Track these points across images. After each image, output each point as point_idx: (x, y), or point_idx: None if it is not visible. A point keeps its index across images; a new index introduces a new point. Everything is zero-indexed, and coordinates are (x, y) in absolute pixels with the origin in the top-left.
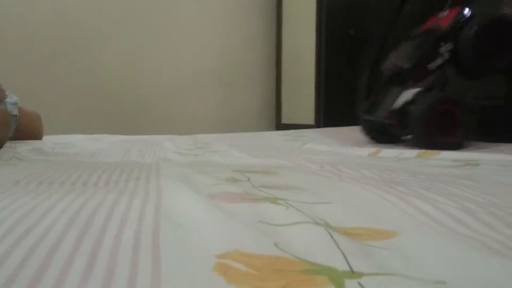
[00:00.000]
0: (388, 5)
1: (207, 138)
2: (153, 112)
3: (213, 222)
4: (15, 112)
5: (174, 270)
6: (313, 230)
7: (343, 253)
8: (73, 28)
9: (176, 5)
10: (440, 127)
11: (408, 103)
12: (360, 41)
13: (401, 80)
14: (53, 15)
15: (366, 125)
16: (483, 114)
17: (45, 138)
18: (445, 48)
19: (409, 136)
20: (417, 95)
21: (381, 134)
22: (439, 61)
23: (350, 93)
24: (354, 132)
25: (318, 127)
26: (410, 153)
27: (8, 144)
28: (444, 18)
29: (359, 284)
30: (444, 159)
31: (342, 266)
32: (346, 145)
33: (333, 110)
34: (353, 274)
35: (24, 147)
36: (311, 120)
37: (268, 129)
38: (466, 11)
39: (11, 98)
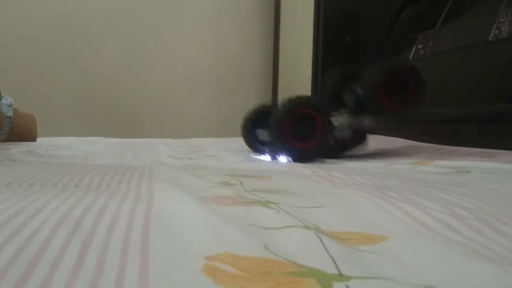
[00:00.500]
0: (385, 13)
1: (202, 142)
2: (148, 115)
3: (203, 224)
4: (10, 113)
5: (162, 271)
6: (303, 233)
7: (332, 257)
8: (69, 30)
9: (173, 8)
10: (298, 133)
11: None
12: (356, 47)
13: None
14: (49, 17)
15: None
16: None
17: (39, 140)
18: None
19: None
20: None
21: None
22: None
23: None
24: None
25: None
26: (402, 160)
27: (1, 146)
28: None
29: (347, 286)
30: (437, 166)
31: (330, 269)
32: None
33: None
34: (341, 277)
35: (17, 149)
36: None
37: None
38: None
39: (6, 100)
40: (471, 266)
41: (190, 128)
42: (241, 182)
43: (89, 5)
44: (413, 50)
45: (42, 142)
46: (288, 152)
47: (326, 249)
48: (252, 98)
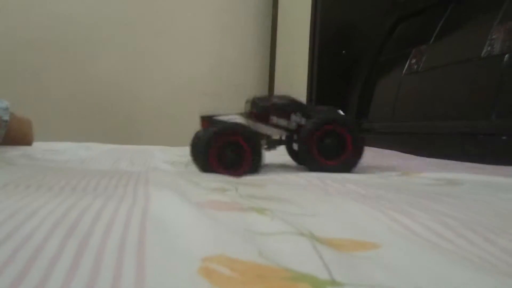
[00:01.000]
0: (380, 28)
1: None
2: (145, 122)
3: (199, 227)
4: (6, 117)
5: (158, 272)
6: (297, 240)
7: (325, 263)
8: (68, 35)
9: (171, 17)
10: (225, 159)
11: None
12: (352, 61)
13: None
14: (47, 21)
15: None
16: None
17: (35, 144)
18: (296, 118)
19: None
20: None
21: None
22: (281, 122)
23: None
24: None
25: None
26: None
27: None
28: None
29: None
30: (429, 177)
31: (324, 275)
32: None
33: None
34: (334, 282)
35: (13, 152)
36: None
37: None
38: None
39: (2, 103)
40: (461, 274)
41: (187, 136)
42: (237, 189)
43: (87, 11)
44: (406, 64)
45: (38, 146)
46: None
47: (319, 255)
48: None
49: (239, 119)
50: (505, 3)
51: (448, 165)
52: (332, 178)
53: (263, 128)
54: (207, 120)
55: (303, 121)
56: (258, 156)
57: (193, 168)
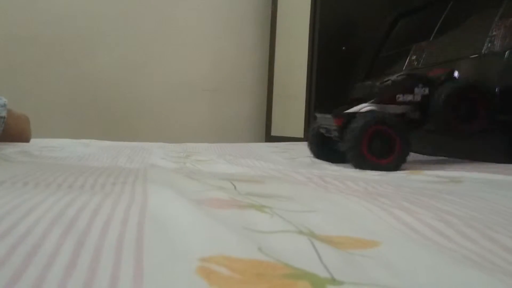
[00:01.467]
0: (380, 24)
1: (197, 147)
2: (144, 119)
3: (198, 225)
4: (4, 113)
5: (156, 271)
6: (297, 237)
7: (325, 261)
8: (66, 32)
9: (169, 13)
10: (375, 148)
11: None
12: (351, 57)
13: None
14: (45, 18)
15: (313, 131)
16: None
17: (33, 141)
18: (420, 91)
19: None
20: (363, 110)
21: (322, 145)
22: (408, 97)
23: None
24: None
25: (307, 140)
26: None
27: None
28: (434, 70)
29: None
30: (429, 175)
31: (324, 273)
32: None
33: None
34: (334, 281)
35: (10, 149)
36: (300, 133)
37: (258, 139)
38: (454, 73)
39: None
40: (461, 272)
41: (186, 133)
42: (235, 186)
43: (86, 8)
44: (406, 61)
45: (36, 143)
46: (367, 168)
47: (318, 254)
48: (247, 105)
49: (370, 107)
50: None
51: (449, 162)
52: (331, 176)
53: (390, 109)
54: (341, 116)
55: (426, 91)
56: (406, 144)
57: (190, 165)
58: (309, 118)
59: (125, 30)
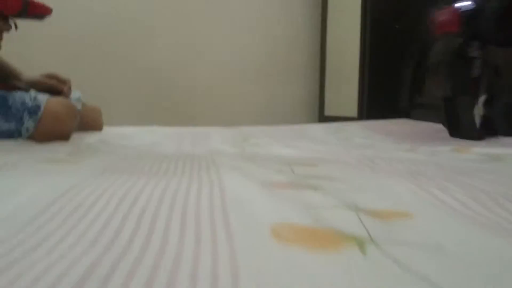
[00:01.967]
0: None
1: (252, 131)
2: (200, 104)
3: (267, 202)
4: (79, 107)
5: (241, 232)
6: (345, 211)
7: (367, 227)
8: (128, 25)
9: (224, 0)
10: None
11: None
12: (405, 35)
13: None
14: (109, 14)
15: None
16: None
17: (105, 129)
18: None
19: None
20: None
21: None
22: (477, 63)
23: (393, 87)
24: (396, 125)
25: (361, 119)
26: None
27: (77, 135)
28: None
29: (377, 247)
30: (476, 153)
31: (366, 236)
32: (387, 139)
33: (376, 103)
34: (374, 242)
35: (90, 138)
36: (354, 112)
37: (311, 120)
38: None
39: (75, 94)
40: (482, 236)
41: (241, 116)
42: (293, 170)
43: (148, 3)
44: None
45: (108, 131)
46: None
47: (362, 222)
48: (300, 85)
49: None
50: None
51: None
52: (380, 157)
53: None
54: None
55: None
56: None
57: (249, 149)
58: (363, 96)
59: (183, 21)
